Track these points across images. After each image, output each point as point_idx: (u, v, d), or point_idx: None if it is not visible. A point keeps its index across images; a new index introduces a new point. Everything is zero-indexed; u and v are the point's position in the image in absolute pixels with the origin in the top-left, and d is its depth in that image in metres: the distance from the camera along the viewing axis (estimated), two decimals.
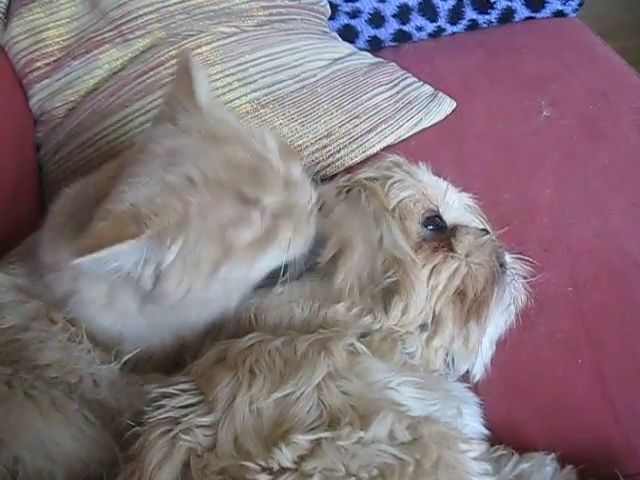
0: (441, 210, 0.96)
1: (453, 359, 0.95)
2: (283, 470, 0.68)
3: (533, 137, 1.32)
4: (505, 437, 0.96)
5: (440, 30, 1.69)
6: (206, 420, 0.75)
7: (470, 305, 0.91)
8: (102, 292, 0.89)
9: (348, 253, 0.89)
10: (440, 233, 0.95)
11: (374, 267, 0.89)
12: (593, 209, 1.20)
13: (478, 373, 0.97)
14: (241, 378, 0.77)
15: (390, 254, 0.89)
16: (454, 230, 0.95)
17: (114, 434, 0.86)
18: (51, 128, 1.38)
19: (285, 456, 0.68)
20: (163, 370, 0.94)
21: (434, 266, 0.90)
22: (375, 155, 1.28)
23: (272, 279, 0.89)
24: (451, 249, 0.92)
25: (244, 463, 0.69)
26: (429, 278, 0.90)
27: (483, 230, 0.98)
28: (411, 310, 0.89)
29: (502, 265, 0.95)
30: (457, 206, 1.00)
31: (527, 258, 1.01)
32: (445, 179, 1.03)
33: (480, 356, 0.96)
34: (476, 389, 0.97)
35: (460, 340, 0.91)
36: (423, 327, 0.90)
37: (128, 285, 0.84)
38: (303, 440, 0.69)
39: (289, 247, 0.86)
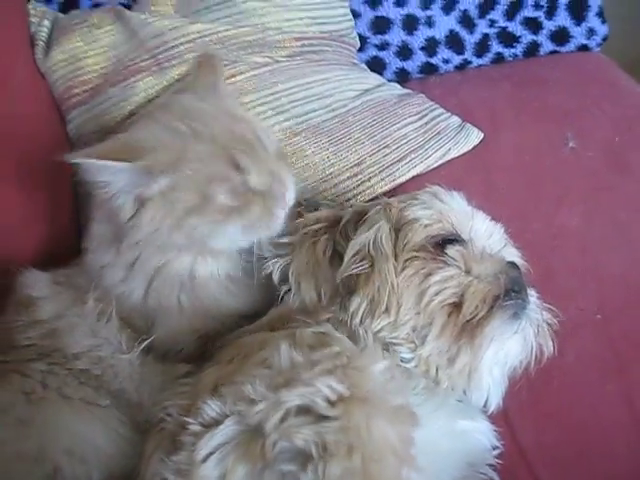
0: (467, 237, 0.97)
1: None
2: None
3: (560, 168, 1.36)
4: (534, 459, 0.98)
5: (466, 62, 1.73)
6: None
7: (463, 319, 0.89)
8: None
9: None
10: None
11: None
12: (620, 238, 1.23)
13: (492, 405, 0.96)
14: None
15: (365, 253, 0.94)
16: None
17: (139, 430, 0.93)
18: None
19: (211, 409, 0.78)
20: (191, 361, 1.00)
21: (427, 270, 0.91)
22: (404, 184, 1.32)
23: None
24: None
25: (184, 419, 0.79)
26: (422, 281, 0.90)
27: (510, 263, 0.97)
28: (391, 312, 0.90)
29: (517, 292, 0.93)
30: (487, 236, 1.00)
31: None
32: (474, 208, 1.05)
33: (492, 387, 0.95)
34: (508, 414, 0.99)
35: (446, 356, 0.90)
36: (415, 332, 0.91)
37: None
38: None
39: (254, 225, 0.95)
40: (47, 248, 1.25)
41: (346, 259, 0.93)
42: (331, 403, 0.73)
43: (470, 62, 1.73)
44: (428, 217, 0.97)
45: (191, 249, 0.98)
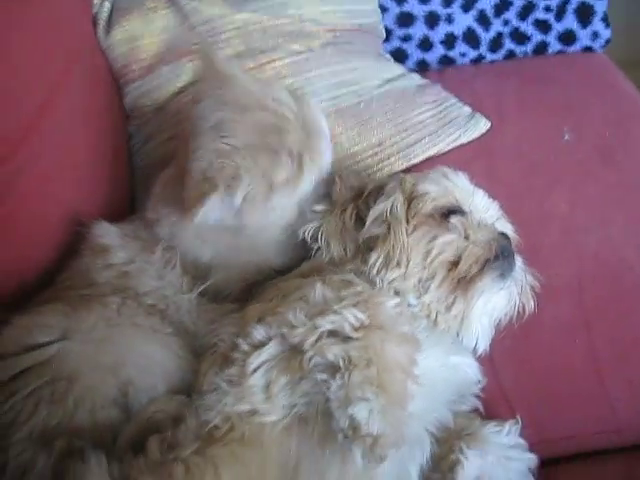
0: (468, 209, 1.13)
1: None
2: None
3: (554, 158, 1.49)
4: (512, 396, 1.18)
5: (481, 57, 1.85)
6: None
7: (459, 275, 1.06)
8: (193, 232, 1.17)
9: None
10: None
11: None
12: (600, 221, 1.37)
13: (480, 348, 1.12)
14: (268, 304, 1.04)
15: (383, 218, 1.11)
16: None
17: (195, 354, 1.09)
18: (141, 123, 1.57)
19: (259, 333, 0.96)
20: (236, 302, 1.17)
21: (433, 234, 1.08)
22: (418, 164, 1.47)
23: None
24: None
25: (235, 340, 0.98)
26: (428, 242, 1.07)
27: (501, 233, 1.13)
28: (402, 265, 1.07)
29: (506, 257, 1.09)
30: (484, 210, 1.16)
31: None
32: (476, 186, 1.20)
33: (480, 333, 1.11)
34: (493, 358, 1.17)
35: (444, 304, 1.07)
36: (420, 283, 1.08)
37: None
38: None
39: (315, 169, 1.16)
40: (109, 205, 1.39)
41: (368, 222, 1.10)
42: (355, 328, 0.91)
43: (484, 57, 1.84)
44: (436, 192, 1.12)
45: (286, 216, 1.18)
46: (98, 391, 1.01)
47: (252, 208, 1.12)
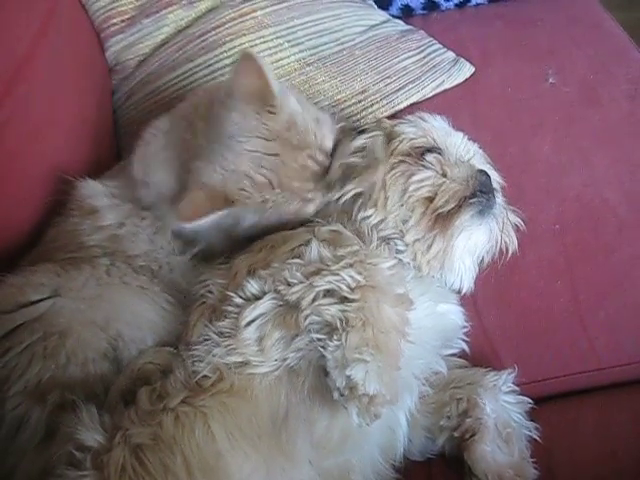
0: (446, 149, 1.13)
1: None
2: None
3: (538, 101, 1.50)
4: (495, 338, 1.20)
5: (466, 1, 1.83)
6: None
7: (437, 211, 1.07)
8: None
9: None
10: None
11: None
12: (582, 163, 1.38)
13: (464, 287, 1.14)
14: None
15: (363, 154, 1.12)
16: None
17: (184, 310, 1.10)
18: (124, 77, 1.57)
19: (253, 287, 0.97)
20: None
21: (410, 172, 1.09)
22: (402, 110, 1.47)
23: None
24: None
25: (227, 293, 0.98)
26: (405, 180, 1.08)
27: (480, 170, 1.12)
28: (379, 204, 1.08)
29: (485, 194, 1.09)
30: (464, 150, 1.16)
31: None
32: (462, 132, 1.20)
33: (464, 272, 1.13)
34: (476, 301, 1.20)
35: (425, 244, 1.08)
36: (400, 222, 1.08)
37: None
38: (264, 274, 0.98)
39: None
40: (94, 159, 1.38)
41: (348, 153, 1.12)
42: (351, 289, 0.91)
43: (469, 1, 1.82)
44: (414, 133, 1.13)
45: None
46: (89, 345, 1.03)
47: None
